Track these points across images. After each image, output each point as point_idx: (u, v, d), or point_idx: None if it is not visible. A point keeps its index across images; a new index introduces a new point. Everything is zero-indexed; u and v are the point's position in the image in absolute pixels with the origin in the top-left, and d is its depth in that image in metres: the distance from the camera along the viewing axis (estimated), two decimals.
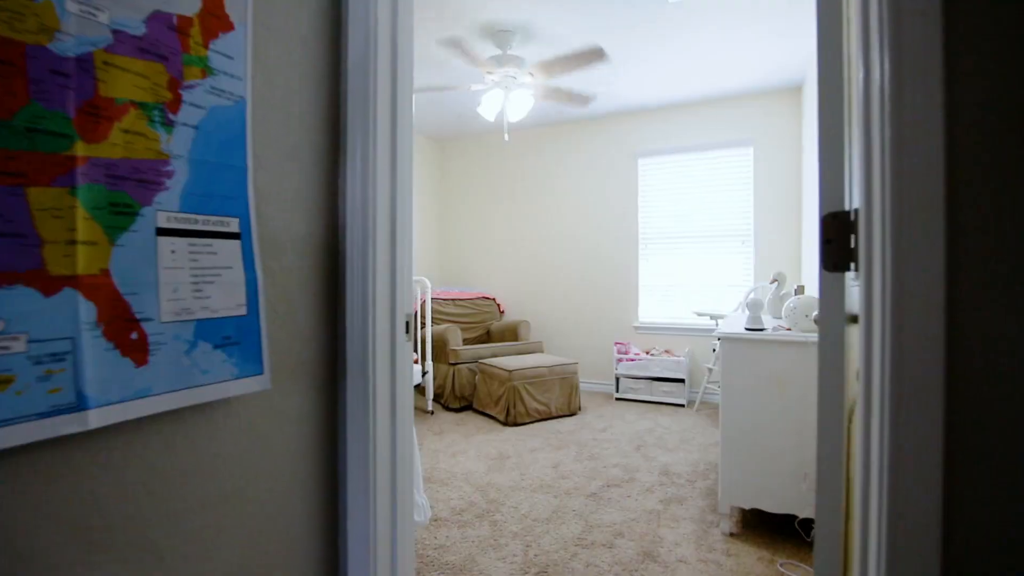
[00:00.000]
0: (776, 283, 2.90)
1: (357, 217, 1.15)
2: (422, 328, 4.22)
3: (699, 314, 4.24)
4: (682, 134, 4.71)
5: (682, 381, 4.43)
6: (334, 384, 1.18)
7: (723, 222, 4.61)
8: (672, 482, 2.85)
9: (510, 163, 5.48)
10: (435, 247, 5.82)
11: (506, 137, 3.50)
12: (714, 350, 4.14)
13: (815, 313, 1.95)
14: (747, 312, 2.28)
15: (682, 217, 4.76)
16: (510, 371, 3.88)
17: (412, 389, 1.32)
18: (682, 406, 4.41)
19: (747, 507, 2.30)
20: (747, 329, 2.28)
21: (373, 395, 1.13)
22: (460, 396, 4.25)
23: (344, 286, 1.16)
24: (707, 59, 3.75)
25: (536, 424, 3.90)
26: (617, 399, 4.65)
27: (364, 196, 1.15)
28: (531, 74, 3.42)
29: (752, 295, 3.30)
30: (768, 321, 2.59)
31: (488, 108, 3.25)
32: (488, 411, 4.05)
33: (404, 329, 1.21)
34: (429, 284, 4.17)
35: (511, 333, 4.85)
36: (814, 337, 2.28)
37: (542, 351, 4.70)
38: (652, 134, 4.83)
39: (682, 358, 4.48)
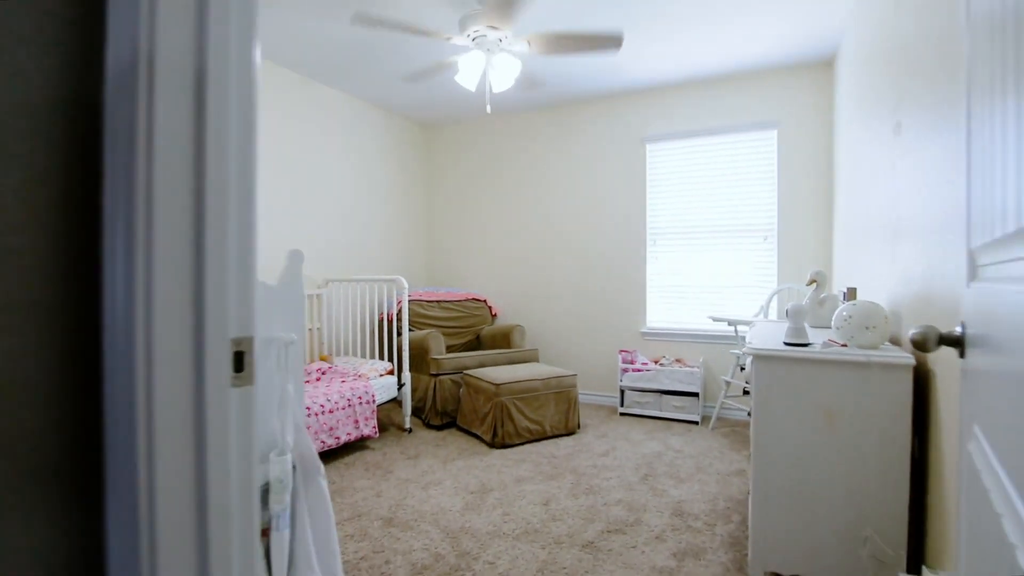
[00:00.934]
0: (815, 285, 2.38)
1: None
2: (398, 335, 3.73)
3: (715, 319, 3.72)
4: (696, 116, 4.19)
5: (696, 395, 3.91)
6: (92, 500, 0.68)
7: (742, 215, 4.08)
8: (687, 526, 2.33)
9: (504, 150, 4.97)
10: (421, 243, 5.32)
11: (488, 109, 2.99)
12: (742, 368, 3.62)
13: (878, 326, 1.43)
14: (788, 322, 1.77)
15: (695, 210, 4.23)
16: (497, 385, 3.38)
17: (256, 494, 0.80)
18: (696, 423, 3.89)
19: (786, 574, 1.78)
20: (787, 344, 1.76)
21: (150, 519, 0.62)
22: (442, 411, 3.75)
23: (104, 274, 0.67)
24: (724, 28, 3.23)
25: (527, 446, 3.39)
26: (622, 414, 4.13)
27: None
28: (528, 43, 2.89)
29: (790, 302, 2.76)
30: (809, 334, 2.07)
31: (467, 74, 2.75)
32: (473, 430, 3.54)
33: (232, 366, 0.70)
34: (406, 284, 3.68)
35: (503, 339, 4.34)
36: (878, 356, 1.77)
37: (536, 360, 4.19)
38: (662, 116, 4.30)
39: (696, 368, 3.96)
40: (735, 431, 3.71)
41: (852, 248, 2.99)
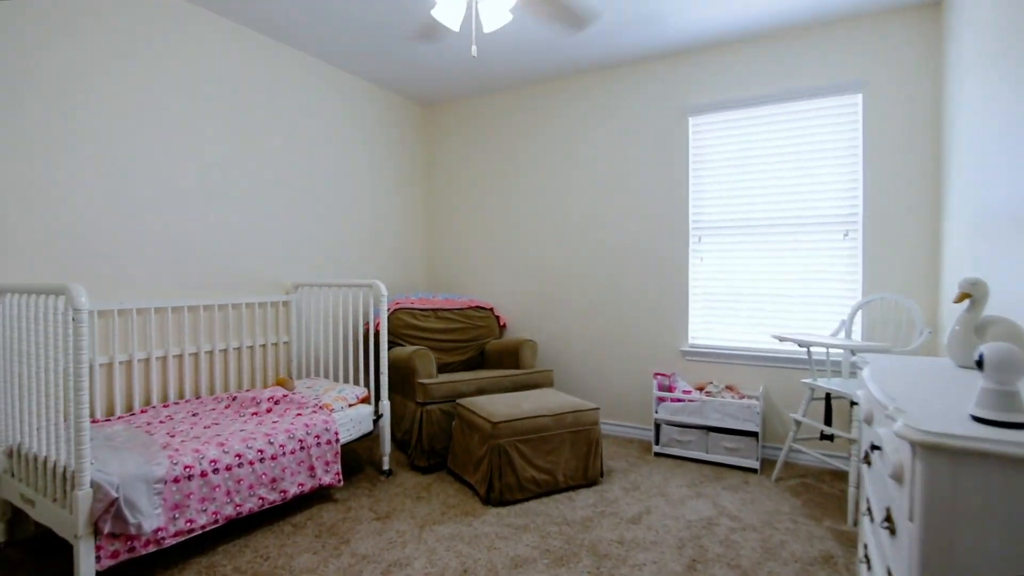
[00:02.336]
0: (969, 301, 1.52)
1: None
2: (376, 354, 3.00)
3: (780, 338, 2.86)
4: (752, 79, 3.32)
5: (754, 435, 3.05)
6: None
7: (815, 205, 3.20)
8: None
9: (516, 129, 4.18)
10: (416, 240, 4.60)
11: (473, 51, 2.23)
12: (829, 404, 2.75)
13: None
14: (984, 378, 0.94)
15: (752, 198, 3.37)
16: (495, 423, 2.61)
17: None
18: (754, 471, 3.03)
19: None
20: (983, 422, 0.93)
21: None
22: (430, 450, 3.00)
23: None
24: None
25: (533, 503, 2.61)
26: (657, 454, 3.30)
27: None
28: None
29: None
30: (961, 377, 1.23)
31: (446, 11, 2.00)
32: (466, 476, 2.78)
33: None
34: (384, 290, 2.94)
35: (510, 357, 3.57)
36: None
37: (550, 384, 3.39)
38: (708, 81, 3.45)
39: (754, 400, 3.10)
40: (808, 485, 2.84)
41: (980, 246, 2.10)
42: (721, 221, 3.46)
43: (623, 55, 3.55)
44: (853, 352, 2.78)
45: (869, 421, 1.45)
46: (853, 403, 2.55)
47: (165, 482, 1.95)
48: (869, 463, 1.49)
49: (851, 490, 2.43)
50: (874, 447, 1.15)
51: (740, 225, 3.40)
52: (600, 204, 3.82)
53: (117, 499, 1.76)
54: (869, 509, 1.47)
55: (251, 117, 3.14)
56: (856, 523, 2.39)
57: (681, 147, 3.54)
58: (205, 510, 2.07)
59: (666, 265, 3.59)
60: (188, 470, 2.02)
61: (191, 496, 2.02)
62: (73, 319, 1.73)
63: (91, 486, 1.75)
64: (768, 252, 3.33)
